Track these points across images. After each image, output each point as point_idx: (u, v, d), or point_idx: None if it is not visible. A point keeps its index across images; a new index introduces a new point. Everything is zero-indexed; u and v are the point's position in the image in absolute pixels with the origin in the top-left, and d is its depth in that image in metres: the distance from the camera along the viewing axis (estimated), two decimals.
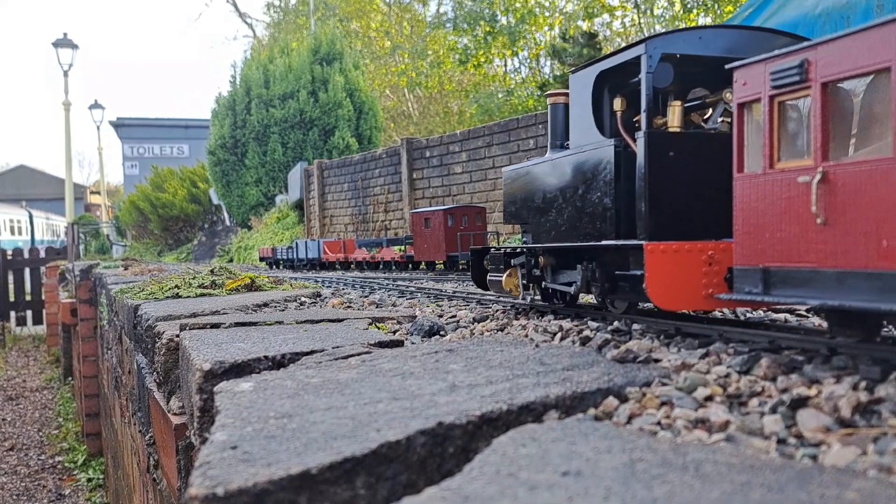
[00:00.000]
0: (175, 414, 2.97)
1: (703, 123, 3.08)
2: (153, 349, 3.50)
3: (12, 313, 24.20)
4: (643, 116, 2.85)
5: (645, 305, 3.18)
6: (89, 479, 10.79)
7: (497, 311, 4.03)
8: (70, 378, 16.45)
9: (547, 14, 28.15)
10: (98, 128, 43.80)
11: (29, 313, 24.45)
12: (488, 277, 4.06)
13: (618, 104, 3.06)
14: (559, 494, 1.23)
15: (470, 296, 5.12)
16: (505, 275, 3.81)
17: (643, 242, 2.70)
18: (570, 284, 3.38)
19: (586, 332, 2.80)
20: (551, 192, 3.53)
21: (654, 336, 2.70)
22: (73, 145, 30.25)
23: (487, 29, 28.82)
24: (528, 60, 30.10)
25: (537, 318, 3.60)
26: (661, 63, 2.86)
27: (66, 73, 30.06)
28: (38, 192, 65.42)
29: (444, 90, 30.17)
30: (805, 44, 2.06)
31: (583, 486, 1.27)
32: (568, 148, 3.41)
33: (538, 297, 3.76)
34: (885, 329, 2.40)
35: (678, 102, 2.91)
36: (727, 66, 2.40)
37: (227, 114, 23.52)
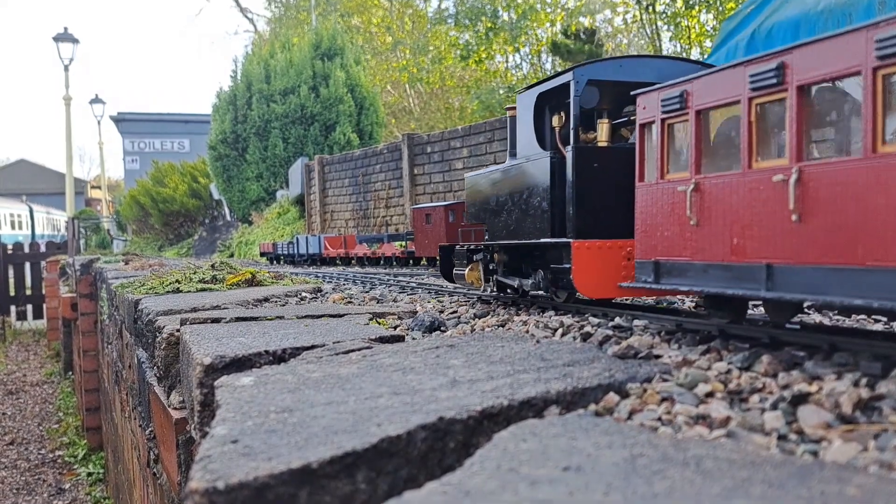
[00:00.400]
0: (175, 408, 2.97)
1: (630, 137, 3.44)
2: (154, 344, 3.50)
3: (13, 308, 24.19)
4: (571, 133, 3.31)
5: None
6: (89, 474, 10.80)
7: (497, 305, 4.04)
8: (70, 372, 16.45)
9: (548, 10, 28.10)
10: (99, 122, 43.80)
11: (29, 308, 24.44)
12: (454, 271, 4.56)
13: (555, 121, 3.48)
14: (560, 489, 1.23)
15: (470, 291, 5.12)
16: (467, 269, 4.33)
17: (571, 240, 3.22)
18: (525, 277, 3.88)
19: (587, 328, 2.80)
20: (503, 196, 3.97)
21: (655, 332, 2.70)
22: (73, 140, 30.22)
23: (489, 25, 28.76)
24: (530, 56, 30.06)
25: (538, 313, 3.60)
26: (588, 87, 3.34)
27: (66, 68, 30.04)
28: (39, 186, 65.39)
29: (446, 86, 30.13)
30: (686, 77, 2.53)
31: (583, 481, 1.27)
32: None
33: (494, 289, 4.22)
34: (750, 311, 3.00)
35: (606, 120, 3.36)
36: (631, 93, 2.87)
37: (227, 109, 23.48)
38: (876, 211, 1.83)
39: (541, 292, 3.71)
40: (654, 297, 4.02)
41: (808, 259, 2.03)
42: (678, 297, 4.18)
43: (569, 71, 3.36)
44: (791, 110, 2.11)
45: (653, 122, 2.74)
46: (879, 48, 1.89)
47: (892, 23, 1.87)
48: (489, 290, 4.21)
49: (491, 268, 4.15)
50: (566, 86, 3.37)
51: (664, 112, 2.66)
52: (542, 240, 3.47)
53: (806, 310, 3.54)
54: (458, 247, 4.55)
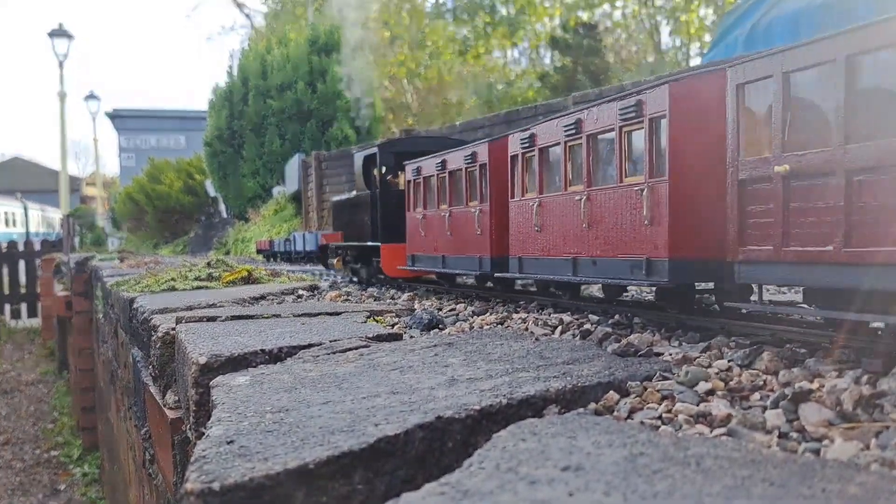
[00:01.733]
0: (171, 408, 2.95)
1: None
2: (149, 343, 3.48)
3: (7, 306, 24.07)
4: (379, 181, 5.94)
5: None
6: (85, 474, 10.74)
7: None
8: (65, 371, 16.39)
9: (547, 4, 28.08)
10: (94, 119, 43.64)
11: (24, 306, 24.32)
12: (328, 261, 7.36)
13: (376, 172, 6.01)
14: (560, 489, 1.22)
15: (338, 273, 5.32)
16: (335, 260, 7.05)
17: (380, 244, 5.74)
18: (362, 266, 6.36)
19: (587, 326, 2.79)
20: (350, 214, 6.73)
21: (655, 329, 2.68)
22: (68, 137, 30.09)
23: (487, 19, 28.72)
24: (528, 51, 30.05)
25: (537, 311, 3.59)
26: (388, 155, 5.93)
27: (61, 64, 29.88)
28: (34, 184, 65.11)
29: (444, 81, 30.08)
30: (424, 158, 5.09)
31: (583, 480, 1.25)
32: (357, 190, 6.61)
33: (350, 273, 6.67)
34: (461, 279, 5.36)
35: (403, 172, 5.65)
36: (404, 163, 5.49)
37: (224, 105, 23.39)
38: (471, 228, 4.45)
39: (380, 275, 6.03)
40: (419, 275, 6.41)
41: (451, 252, 4.66)
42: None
43: (377, 145, 6.15)
44: (443, 182, 4.75)
45: (410, 180, 5.32)
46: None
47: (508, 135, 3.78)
48: (347, 273, 6.74)
49: (346, 259, 6.72)
50: (375, 155, 6.03)
51: (413, 176, 5.25)
52: (368, 243, 6.05)
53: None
54: (329, 246, 7.36)
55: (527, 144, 3.68)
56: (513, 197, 3.86)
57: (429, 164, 4.95)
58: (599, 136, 3.07)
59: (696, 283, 2.72)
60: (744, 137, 2.32)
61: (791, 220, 2.12)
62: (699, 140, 2.59)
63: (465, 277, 5.29)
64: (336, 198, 7.30)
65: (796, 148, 2.10)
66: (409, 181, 5.32)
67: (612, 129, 2.93)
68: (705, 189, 2.56)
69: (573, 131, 3.20)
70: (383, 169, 5.89)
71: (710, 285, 2.75)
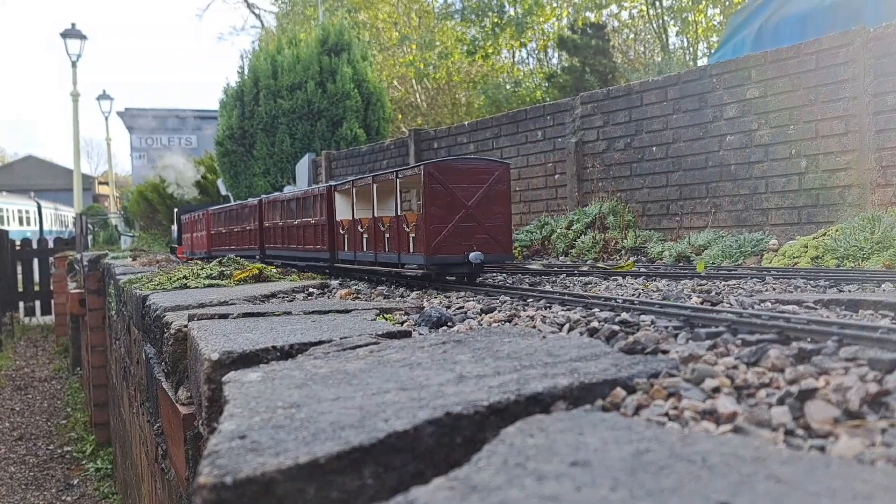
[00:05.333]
0: (183, 404, 2.98)
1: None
2: (161, 339, 3.52)
3: (21, 303, 24.28)
4: (178, 221, 13.91)
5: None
6: (97, 469, 10.84)
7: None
8: (78, 368, 16.52)
9: (555, 4, 27.99)
10: (106, 119, 43.90)
11: (37, 303, 24.52)
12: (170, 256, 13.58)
13: (180, 217, 13.21)
14: (567, 484, 1.23)
15: (479, 288, 5.12)
16: (178, 252, 13.25)
17: (177, 246, 13.53)
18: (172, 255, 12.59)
19: (594, 324, 2.80)
20: (176, 232, 14.46)
21: (662, 327, 2.69)
22: (81, 136, 30.29)
23: (495, 20, 28.68)
24: (536, 52, 29.98)
25: (545, 308, 3.60)
26: (185, 210, 14.23)
27: (74, 64, 30.08)
28: (47, 182, 65.65)
29: (452, 81, 30.06)
30: (188, 213, 12.89)
31: (590, 476, 1.27)
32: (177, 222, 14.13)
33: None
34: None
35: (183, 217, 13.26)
36: (185, 213, 13.15)
37: (235, 105, 23.46)
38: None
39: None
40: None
41: (198, 249, 11.29)
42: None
43: (183, 207, 14.84)
44: (192, 224, 12.21)
45: (185, 221, 12.54)
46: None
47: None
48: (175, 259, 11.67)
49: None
50: (179, 210, 14.30)
51: (186, 220, 12.50)
52: (174, 245, 13.92)
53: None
54: (171, 247, 14.97)
55: (224, 211, 9.73)
56: (195, 232, 10.88)
57: (190, 216, 11.86)
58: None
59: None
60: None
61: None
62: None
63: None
64: (173, 227, 16.12)
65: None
66: (184, 222, 12.54)
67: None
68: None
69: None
70: (182, 215, 12.87)
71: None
